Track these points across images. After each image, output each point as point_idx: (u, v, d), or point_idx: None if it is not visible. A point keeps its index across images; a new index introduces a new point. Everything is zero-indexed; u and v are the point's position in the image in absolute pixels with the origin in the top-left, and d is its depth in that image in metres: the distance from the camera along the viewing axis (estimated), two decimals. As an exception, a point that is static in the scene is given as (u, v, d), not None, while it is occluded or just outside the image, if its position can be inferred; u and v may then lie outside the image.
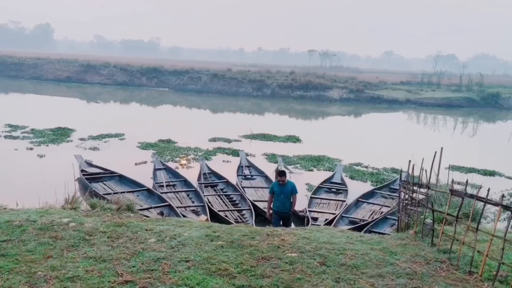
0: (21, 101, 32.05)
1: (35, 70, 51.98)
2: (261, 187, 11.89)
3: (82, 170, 11.86)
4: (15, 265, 4.42)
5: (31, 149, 15.09)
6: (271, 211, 8.66)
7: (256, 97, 41.96)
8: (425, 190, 6.22)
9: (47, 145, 15.82)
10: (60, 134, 17.77)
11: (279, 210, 8.50)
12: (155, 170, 12.48)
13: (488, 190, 4.54)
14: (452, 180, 5.62)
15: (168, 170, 12.70)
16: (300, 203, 10.48)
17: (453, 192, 5.22)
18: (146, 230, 5.72)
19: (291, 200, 8.62)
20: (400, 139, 22.33)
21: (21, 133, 17.72)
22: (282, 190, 8.48)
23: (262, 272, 4.56)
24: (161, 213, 9.09)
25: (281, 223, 8.46)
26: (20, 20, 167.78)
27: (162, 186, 11.39)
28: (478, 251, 4.70)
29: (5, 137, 16.80)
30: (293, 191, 8.56)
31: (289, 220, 8.72)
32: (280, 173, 8.64)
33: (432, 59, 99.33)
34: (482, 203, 4.96)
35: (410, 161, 6.58)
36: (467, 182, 4.96)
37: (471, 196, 4.88)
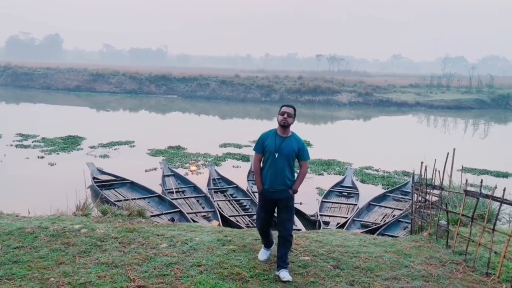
0: (32, 111, 32.33)
1: (45, 80, 52.46)
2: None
3: (94, 178, 11.91)
4: (27, 272, 4.42)
5: (42, 157, 15.18)
6: (261, 186, 4.94)
7: (264, 103, 41.96)
8: (439, 191, 6.14)
9: (58, 154, 15.91)
10: (71, 143, 17.87)
11: (271, 188, 4.82)
12: (164, 176, 12.49)
13: (504, 190, 4.46)
14: (466, 180, 5.54)
15: (177, 176, 12.69)
16: (312, 207, 10.44)
17: (467, 192, 5.14)
18: (158, 235, 5.70)
19: (295, 169, 4.99)
20: (410, 142, 22.16)
21: (32, 142, 17.84)
22: (280, 146, 4.78)
23: (275, 276, 4.51)
24: (172, 219, 9.07)
25: (273, 214, 5.03)
26: (30, 31, 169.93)
27: (172, 192, 11.38)
28: (495, 252, 4.62)
29: (17, 146, 16.93)
30: (300, 151, 4.87)
31: (289, 210, 4.88)
32: (285, 107, 4.89)
33: (441, 61, 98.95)
34: (497, 204, 4.89)
35: (422, 162, 6.51)
36: (481, 182, 4.88)
37: (486, 196, 4.80)
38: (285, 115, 4.76)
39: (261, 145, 4.92)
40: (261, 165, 4.99)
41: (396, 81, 57.97)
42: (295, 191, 4.90)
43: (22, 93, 46.17)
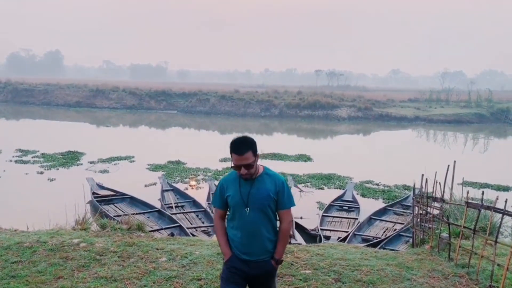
0: (32, 127, 32.37)
1: (46, 96, 52.61)
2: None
3: (93, 193, 11.87)
4: (25, 286, 4.38)
5: (41, 173, 15.15)
6: (229, 251, 3.37)
7: (264, 117, 42.05)
8: (440, 204, 6.11)
9: (58, 169, 15.87)
10: (70, 158, 17.84)
11: (243, 254, 3.31)
12: (163, 191, 12.45)
13: (506, 202, 4.44)
14: (468, 192, 5.51)
15: (176, 191, 12.64)
16: (312, 221, 10.37)
17: (469, 204, 5.11)
18: (157, 249, 5.65)
19: (277, 223, 3.44)
20: (410, 156, 22.14)
21: (32, 157, 17.82)
22: (249, 196, 3.26)
23: (276, 289, 4.45)
24: (172, 234, 9.00)
25: None
26: (31, 47, 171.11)
27: (171, 207, 11.32)
28: (498, 265, 4.57)
29: (16, 161, 16.91)
30: (280, 195, 3.31)
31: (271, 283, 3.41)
32: (236, 154, 3.20)
33: (440, 76, 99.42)
34: (499, 217, 4.86)
35: (423, 175, 6.48)
36: (483, 193, 4.86)
37: (488, 207, 4.77)
38: (243, 170, 3.19)
39: (221, 197, 3.37)
40: (226, 223, 3.47)
41: (395, 95, 58.10)
42: (280, 261, 3.37)
43: (23, 109, 46.28)
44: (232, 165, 3.24)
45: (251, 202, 3.23)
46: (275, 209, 3.33)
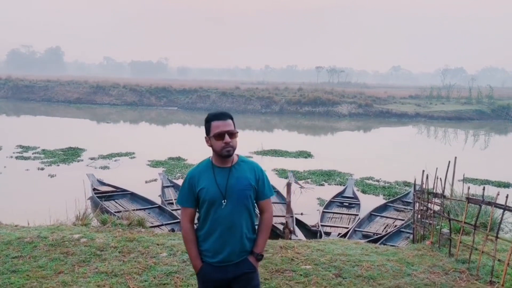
0: (32, 123, 32.37)
1: (46, 92, 52.59)
2: (273, 202, 11.75)
3: (94, 189, 11.87)
4: (26, 281, 4.38)
5: (42, 169, 15.15)
6: (199, 262, 2.92)
7: (264, 114, 42.03)
8: (440, 199, 6.11)
9: (58, 165, 15.87)
10: (71, 154, 17.84)
11: (221, 261, 2.87)
12: (163, 187, 12.46)
13: (507, 197, 4.43)
14: (468, 188, 5.50)
15: (176, 187, 12.63)
16: (313, 218, 10.37)
17: (470, 199, 5.11)
18: (158, 244, 5.65)
19: (256, 215, 3.06)
20: (411, 153, 22.12)
21: (32, 153, 17.82)
22: (227, 185, 2.86)
23: (277, 284, 4.46)
24: (172, 230, 9.01)
25: None
26: (32, 43, 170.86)
27: (171, 203, 11.33)
28: (499, 260, 4.57)
29: (17, 157, 16.91)
30: (260, 183, 2.96)
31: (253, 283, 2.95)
32: (218, 121, 2.88)
33: (440, 73, 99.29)
34: (500, 212, 4.86)
35: (423, 171, 6.48)
36: (484, 189, 4.85)
37: (489, 203, 4.77)
38: (227, 138, 2.81)
39: (190, 192, 2.91)
40: (196, 224, 3.00)
41: (396, 92, 58.06)
42: (260, 257, 2.96)
43: (23, 105, 46.27)
44: (214, 137, 2.83)
45: (230, 193, 2.82)
46: (255, 200, 2.97)
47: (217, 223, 2.83)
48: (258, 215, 3.10)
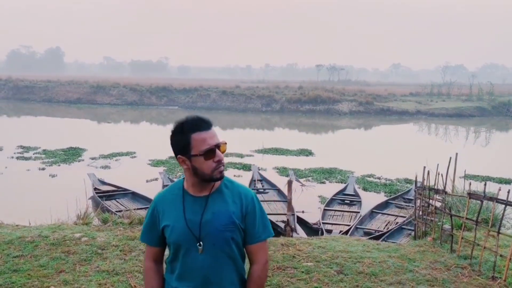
0: (33, 123, 32.39)
1: (46, 92, 52.60)
2: (274, 200, 11.77)
3: (95, 188, 11.87)
4: (27, 280, 4.38)
5: (43, 169, 15.16)
6: None
7: (265, 113, 42.02)
8: (442, 196, 6.10)
9: (59, 165, 15.88)
10: (72, 154, 17.85)
11: None
12: (164, 186, 12.45)
13: (508, 192, 4.42)
14: (470, 183, 5.49)
15: None
16: (314, 215, 10.36)
17: (471, 195, 5.10)
18: (159, 243, 5.64)
19: (246, 260, 2.18)
20: (412, 150, 22.10)
21: (33, 154, 17.83)
22: (201, 223, 2.03)
23: (278, 282, 4.46)
24: (174, 228, 9.01)
25: None
26: (31, 44, 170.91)
27: (172, 202, 11.32)
28: (501, 255, 4.56)
29: (18, 158, 16.92)
30: (249, 218, 2.08)
31: None
32: (197, 119, 2.11)
33: (441, 70, 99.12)
34: (502, 208, 4.85)
35: (424, 167, 6.47)
36: (485, 184, 4.84)
37: (491, 198, 4.76)
38: (219, 154, 2.09)
39: (153, 227, 2.17)
40: (164, 265, 2.27)
41: (396, 89, 57.96)
42: None
43: (23, 106, 46.29)
44: (199, 152, 2.03)
45: (206, 235, 2.02)
46: (242, 243, 2.13)
47: (189, 275, 2.06)
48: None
